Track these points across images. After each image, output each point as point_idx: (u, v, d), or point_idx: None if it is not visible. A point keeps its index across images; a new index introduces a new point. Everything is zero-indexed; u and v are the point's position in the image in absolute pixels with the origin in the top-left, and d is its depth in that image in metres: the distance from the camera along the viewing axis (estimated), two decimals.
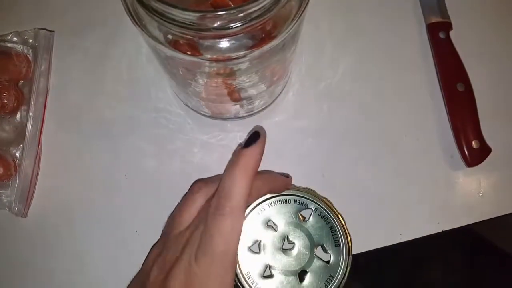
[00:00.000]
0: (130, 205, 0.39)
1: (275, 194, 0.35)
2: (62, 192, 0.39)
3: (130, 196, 0.39)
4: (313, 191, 0.36)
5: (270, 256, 0.34)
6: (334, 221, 0.35)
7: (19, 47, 0.40)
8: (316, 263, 0.34)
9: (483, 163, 0.39)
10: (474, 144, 0.39)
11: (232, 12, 0.21)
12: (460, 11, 0.43)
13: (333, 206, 0.35)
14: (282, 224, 0.35)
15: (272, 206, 0.35)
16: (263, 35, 0.25)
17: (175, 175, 0.39)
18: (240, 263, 0.33)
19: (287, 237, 0.34)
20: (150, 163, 0.39)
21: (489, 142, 0.39)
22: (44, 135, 0.40)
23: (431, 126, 0.41)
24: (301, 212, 0.35)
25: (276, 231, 0.34)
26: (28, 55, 0.40)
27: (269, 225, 0.35)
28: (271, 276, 0.33)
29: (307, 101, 0.41)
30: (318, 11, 0.42)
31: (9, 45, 0.39)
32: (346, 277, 0.33)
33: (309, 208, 0.35)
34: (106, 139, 0.40)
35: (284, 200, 0.35)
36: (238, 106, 0.37)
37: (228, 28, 0.22)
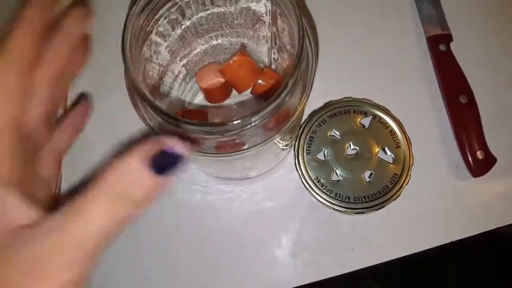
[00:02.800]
0: (158, 233, 0.40)
1: (334, 107, 0.39)
2: None
3: (155, 223, 0.40)
4: (371, 100, 0.39)
5: (335, 162, 0.38)
6: (392, 125, 0.38)
7: None
8: (380, 164, 0.38)
9: (489, 173, 0.39)
10: (479, 154, 0.39)
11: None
12: (460, 22, 0.43)
13: (390, 112, 0.39)
14: (343, 133, 0.39)
15: (332, 118, 0.39)
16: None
17: None
18: (308, 171, 0.38)
19: (350, 144, 0.38)
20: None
21: (494, 151, 0.39)
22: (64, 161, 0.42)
23: (435, 138, 0.41)
24: (360, 121, 0.39)
25: (338, 140, 0.38)
26: None
27: (331, 135, 0.39)
28: (338, 179, 0.37)
29: None
30: (320, 26, 0.43)
31: None
32: (410, 174, 0.37)
33: (368, 116, 0.39)
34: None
35: (343, 111, 0.39)
36: (248, 172, 0.39)
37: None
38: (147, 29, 0.27)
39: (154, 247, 0.40)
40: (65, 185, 0.42)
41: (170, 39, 0.32)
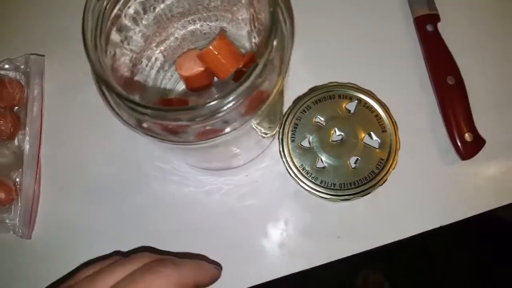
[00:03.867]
0: (134, 222, 0.39)
1: (318, 93, 0.38)
2: (64, 212, 0.40)
3: (133, 213, 0.40)
4: (356, 84, 0.38)
5: (320, 149, 0.37)
6: (378, 109, 0.37)
7: (11, 74, 0.41)
8: (366, 149, 0.37)
9: (478, 155, 0.38)
10: (467, 136, 0.38)
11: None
12: (447, 2, 0.42)
13: (376, 96, 0.38)
14: (328, 119, 0.37)
15: (317, 103, 0.38)
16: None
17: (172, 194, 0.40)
18: (293, 158, 0.37)
19: (335, 130, 0.37)
20: (150, 180, 0.40)
21: (482, 133, 0.38)
22: (42, 157, 0.41)
23: (423, 121, 0.40)
24: (346, 106, 0.38)
25: (323, 126, 0.37)
26: (20, 81, 0.41)
27: (316, 121, 0.38)
28: (324, 167, 0.37)
29: None
30: (301, 11, 0.42)
31: (1, 72, 0.41)
32: (396, 159, 0.36)
33: (353, 101, 0.38)
34: (105, 156, 0.41)
35: (328, 97, 0.38)
36: (230, 162, 0.38)
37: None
38: (115, 12, 0.26)
39: (122, 236, 0.39)
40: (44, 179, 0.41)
41: (143, 23, 0.30)
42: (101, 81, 0.22)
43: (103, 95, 0.24)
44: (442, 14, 0.41)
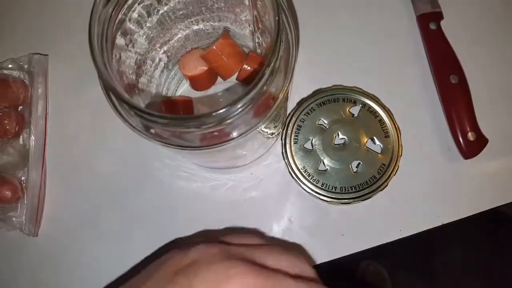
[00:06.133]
0: (139, 218, 0.40)
1: (322, 95, 0.38)
2: (70, 210, 0.41)
3: (136, 212, 0.40)
4: (360, 88, 0.38)
5: (323, 152, 0.37)
6: (382, 114, 0.37)
7: (15, 73, 0.41)
8: (368, 154, 0.37)
9: (480, 154, 0.38)
10: (470, 136, 0.38)
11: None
12: None
13: (380, 101, 0.38)
14: (332, 122, 0.38)
15: (321, 106, 0.38)
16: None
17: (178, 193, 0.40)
18: (295, 160, 0.37)
19: (338, 133, 0.37)
20: (158, 177, 0.40)
21: (485, 132, 0.38)
22: (47, 155, 0.41)
23: (426, 120, 0.40)
24: (349, 109, 0.38)
25: (326, 129, 0.37)
26: (24, 80, 0.41)
27: (320, 124, 0.38)
28: (325, 169, 0.37)
29: None
30: (304, 9, 0.42)
31: (5, 72, 0.41)
32: (398, 164, 0.36)
33: (357, 105, 0.38)
34: (109, 155, 0.41)
35: (332, 100, 0.38)
36: (235, 162, 0.38)
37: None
38: (119, 17, 0.26)
39: (129, 232, 0.40)
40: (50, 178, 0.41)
41: (147, 25, 0.31)
42: (109, 89, 0.22)
43: (111, 101, 0.25)
44: (445, 12, 0.41)
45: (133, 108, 0.21)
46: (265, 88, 0.22)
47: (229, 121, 0.23)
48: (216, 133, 0.24)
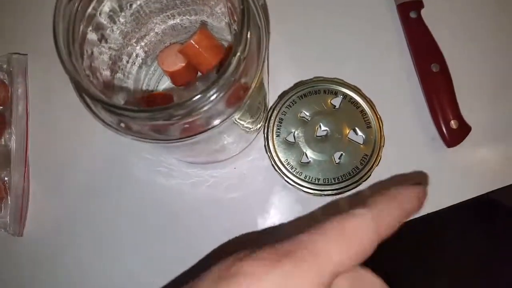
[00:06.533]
0: (125, 217, 0.40)
1: (304, 87, 0.38)
2: (54, 210, 0.40)
3: (121, 209, 0.40)
4: (341, 79, 0.38)
5: (305, 144, 0.37)
6: (363, 105, 0.37)
7: None
8: (350, 145, 0.37)
9: (463, 142, 0.38)
10: (453, 124, 0.38)
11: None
12: None
13: (362, 91, 0.38)
14: (313, 114, 0.38)
15: (302, 98, 0.38)
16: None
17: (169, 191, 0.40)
18: (278, 153, 0.37)
19: (320, 125, 0.37)
20: (137, 174, 0.40)
21: (468, 120, 0.38)
22: (30, 155, 0.41)
23: (409, 109, 0.40)
24: (331, 101, 0.38)
25: (308, 121, 0.37)
26: (4, 80, 0.41)
27: (301, 116, 0.38)
28: (308, 161, 0.37)
29: None
30: (282, 2, 0.42)
31: None
32: (380, 155, 0.37)
33: (338, 96, 0.38)
34: (92, 152, 0.41)
35: (313, 91, 0.38)
36: (216, 156, 0.38)
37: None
38: (89, 12, 0.26)
39: (112, 229, 0.40)
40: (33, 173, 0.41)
41: (121, 20, 0.30)
42: (76, 83, 0.22)
43: (81, 98, 0.24)
44: (425, 0, 0.41)
45: (100, 102, 0.21)
46: (233, 77, 0.22)
47: (198, 112, 0.22)
48: (187, 125, 0.24)
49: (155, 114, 0.22)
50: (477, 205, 0.43)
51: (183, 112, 0.22)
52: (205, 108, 0.23)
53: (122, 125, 0.24)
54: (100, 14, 0.27)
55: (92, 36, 0.27)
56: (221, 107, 0.25)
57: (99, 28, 0.28)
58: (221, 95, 0.23)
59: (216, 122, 0.25)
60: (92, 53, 0.28)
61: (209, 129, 0.25)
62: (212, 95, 0.22)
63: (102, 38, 0.29)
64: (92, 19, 0.27)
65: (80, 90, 0.22)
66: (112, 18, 0.29)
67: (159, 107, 0.21)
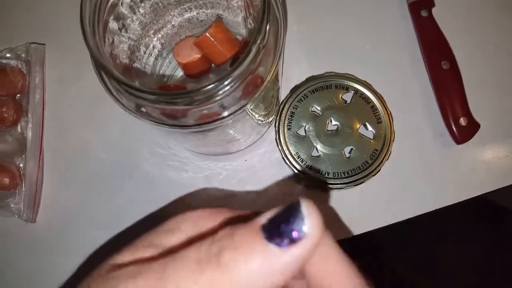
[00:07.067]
0: (133, 206, 0.40)
1: (315, 82, 0.38)
2: (67, 197, 0.41)
3: (132, 198, 0.41)
4: (353, 75, 0.39)
5: (315, 138, 0.38)
6: (374, 100, 0.38)
7: (13, 62, 0.42)
8: (360, 139, 0.37)
9: (473, 139, 0.39)
10: (462, 121, 0.39)
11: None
12: None
13: (372, 87, 0.38)
14: (324, 109, 0.38)
15: (313, 93, 0.39)
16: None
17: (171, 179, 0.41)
18: (288, 146, 0.37)
19: (331, 120, 0.38)
20: (149, 166, 0.41)
21: (477, 117, 0.39)
22: (45, 143, 0.42)
23: (418, 106, 0.41)
24: (342, 96, 0.38)
25: (319, 115, 0.38)
26: (22, 69, 0.41)
27: (312, 110, 0.38)
28: (318, 155, 0.37)
29: None
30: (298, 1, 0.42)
31: (3, 61, 0.41)
32: (390, 150, 0.37)
33: (349, 92, 0.38)
34: (105, 142, 0.42)
35: (325, 86, 0.39)
36: (228, 146, 0.39)
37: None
38: (111, 1, 0.27)
39: (123, 218, 0.40)
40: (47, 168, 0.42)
41: (140, 11, 0.31)
42: (100, 67, 0.23)
43: (103, 81, 0.25)
44: None
45: (123, 84, 0.22)
46: (252, 66, 0.23)
47: (217, 98, 0.23)
48: (205, 111, 0.25)
49: (176, 98, 0.22)
50: (482, 204, 0.44)
51: (202, 97, 0.23)
52: (223, 94, 0.23)
53: (143, 109, 0.25)
54: (122, 3, 0.28)
55: (113, 25, 0.28)
56: (237, 95, 0.25)
57: (120, 17, 0.29)
58: (239, 82, 0.23)
59: (231, 110, 0.26)
60: (113, 41, 0.28)
61: (224, 117, 0.26)
62: (232, 82, 0.23)
63: (123, 28, 0.29)
64: (114, 8, 0.28)
65: (101, 68, 0.23)
66: (132, 8, 0.30)
67: (181, 91, 0.22)
